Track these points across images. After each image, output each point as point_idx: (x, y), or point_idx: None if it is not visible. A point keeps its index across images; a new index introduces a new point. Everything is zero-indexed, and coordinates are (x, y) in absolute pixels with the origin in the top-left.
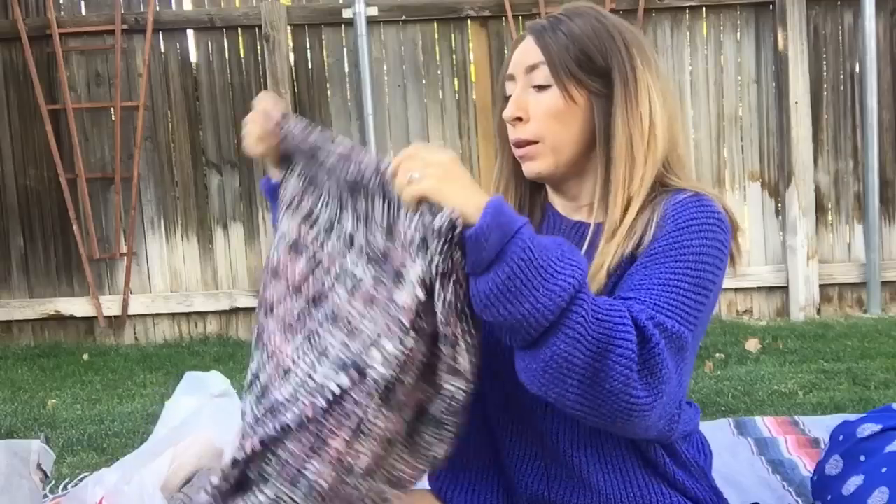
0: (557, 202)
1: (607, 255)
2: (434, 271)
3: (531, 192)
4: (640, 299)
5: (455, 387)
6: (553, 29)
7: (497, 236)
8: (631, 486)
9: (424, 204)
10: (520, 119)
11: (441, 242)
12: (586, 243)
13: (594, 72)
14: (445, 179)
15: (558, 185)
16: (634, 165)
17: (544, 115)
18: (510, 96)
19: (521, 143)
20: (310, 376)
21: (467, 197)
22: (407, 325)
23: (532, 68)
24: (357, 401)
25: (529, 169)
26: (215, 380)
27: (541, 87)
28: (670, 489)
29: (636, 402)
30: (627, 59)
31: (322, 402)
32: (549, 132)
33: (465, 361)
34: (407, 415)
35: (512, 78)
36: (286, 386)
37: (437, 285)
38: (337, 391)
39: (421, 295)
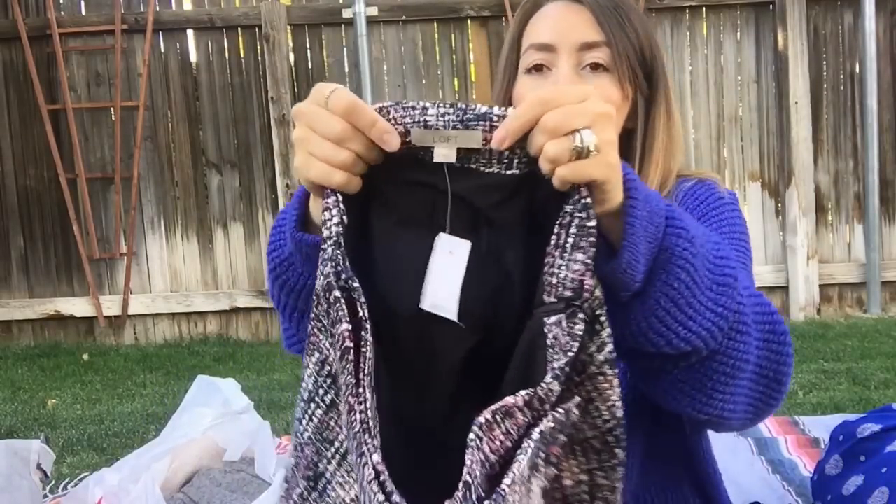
0: None
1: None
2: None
3: None
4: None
5: (612, 373)
6: (616, 9)
7: (652, 230)
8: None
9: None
10: None
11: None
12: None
13: (643, 69)
14: (616, 152)
15: None
16: (668, 175)
17: None
18: (536, 66)
19: None
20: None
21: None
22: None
23: (590, 47)
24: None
25: None
26: (230, 388)
27: (596, 69)
28: None
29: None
30: (662, 64)
31: None
32: None
33: (609, 330)
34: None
35: (550, 49)
36: None
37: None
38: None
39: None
